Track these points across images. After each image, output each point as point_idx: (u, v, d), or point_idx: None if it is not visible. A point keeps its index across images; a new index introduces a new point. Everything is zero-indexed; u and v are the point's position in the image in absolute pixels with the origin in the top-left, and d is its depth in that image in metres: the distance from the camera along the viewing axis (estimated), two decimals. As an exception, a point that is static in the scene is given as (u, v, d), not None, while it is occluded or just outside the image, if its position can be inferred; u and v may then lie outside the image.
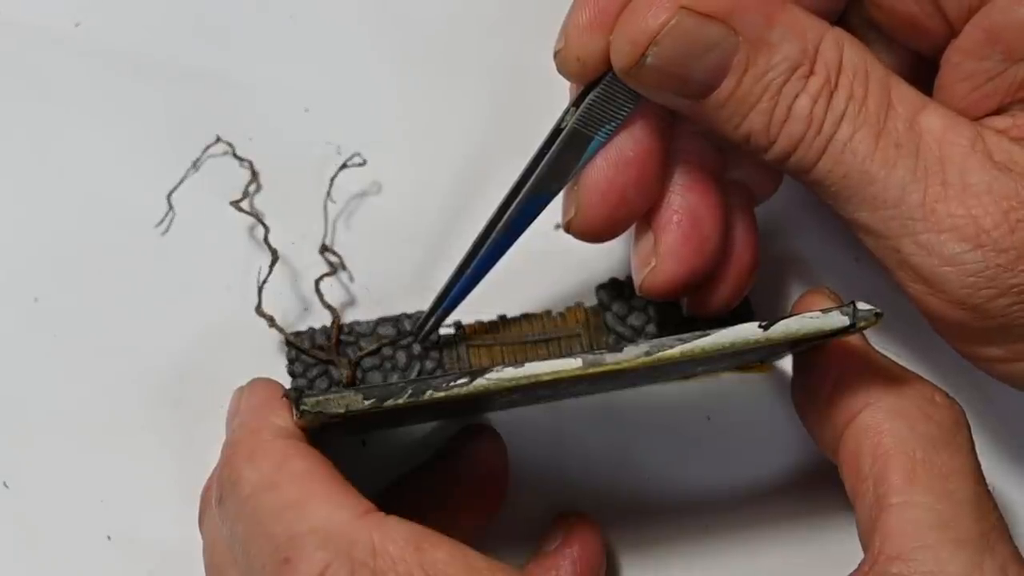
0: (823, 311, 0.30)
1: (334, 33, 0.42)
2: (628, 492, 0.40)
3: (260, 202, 0.40)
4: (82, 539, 0.39)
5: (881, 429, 0.32)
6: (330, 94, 0.42)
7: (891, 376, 0.33)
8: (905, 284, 0.33)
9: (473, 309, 0.38)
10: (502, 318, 0.38)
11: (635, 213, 0.35)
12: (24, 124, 0.41)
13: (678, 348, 0.30)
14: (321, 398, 0.30)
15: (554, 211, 0.41)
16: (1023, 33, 0.31)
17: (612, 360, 0.30)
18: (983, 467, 0.32)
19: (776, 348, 0.32)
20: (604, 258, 0.41)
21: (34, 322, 0.40)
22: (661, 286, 0.35)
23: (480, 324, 0.38)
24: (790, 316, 0.30)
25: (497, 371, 0.29)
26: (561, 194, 0.35)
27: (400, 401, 0.29)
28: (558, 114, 0.34)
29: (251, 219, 0.40)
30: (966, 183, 0.31)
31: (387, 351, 0.37)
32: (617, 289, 0.38)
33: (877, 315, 0.30)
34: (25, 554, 0.38)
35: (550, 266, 0.41)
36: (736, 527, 0.39)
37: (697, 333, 0.30)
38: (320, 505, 0.29)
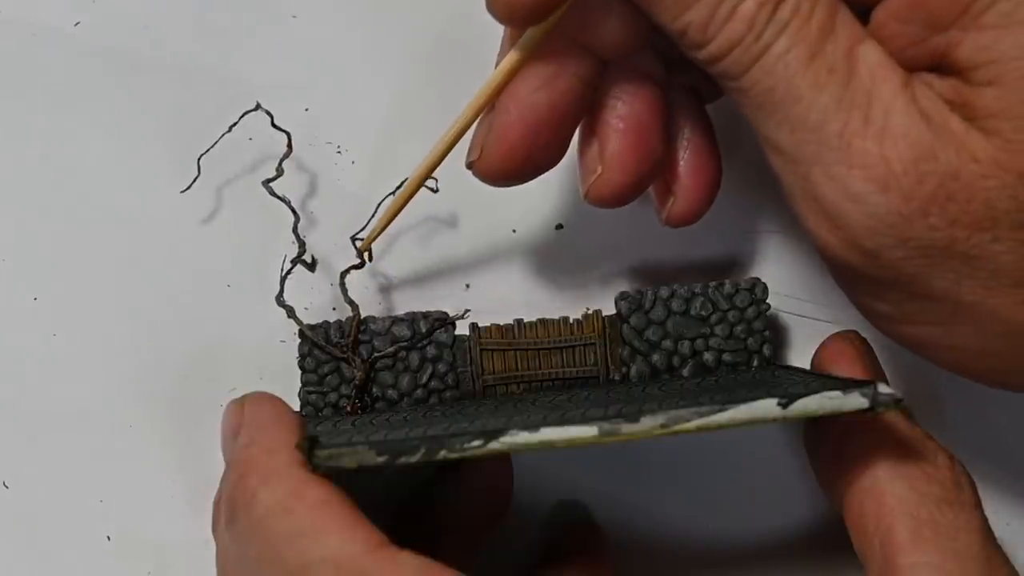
0: (844, 391, 0.30)
1: (334, 33, 0.42)
2: (632, 515, 0.40)
3: (260, 200, 0.40)
4: (82, 539, 0.39)
5: (883, 490, 0.32)
6: (330, 94, 0.42)
7: (892, 436, 0.33)
8: (806, 215, 0.32)
9: (489, 312, 0.38)
10: (518, 322, 0.38)
11: (543, 167, 0.35)
12: (23, 123, 0.41)
13: (695, 422, 0.30)
14: (334, 451, 0.30)
15: (555, 213, 0.41)
16: (946, 3, 0.30)
17: (628, 430, 0.30)
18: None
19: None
20: (624, 259, 0.41)
21: (34, 322, 0.40)
22: (608, 194, 0.35)
23: (496, 327, 0.38)
24: (810, 395, 0.30)
25: (512, 435, 0.30)
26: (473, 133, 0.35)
27: (412, 459, 0.30)
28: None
29: (248, 218, 0.40)
30: (888, 123, 0.30)
31: (400, 351, 0.37)
32: (636, 301, 0.38)
33: (897, 400, 0.30)
34: (25, 554, 0.38)
35: (569, 266, 0.41)
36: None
37: (715, 407, 0.30)
38: (334, 535, 0.29)
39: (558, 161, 0.35)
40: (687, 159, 0.36)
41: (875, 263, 0.31)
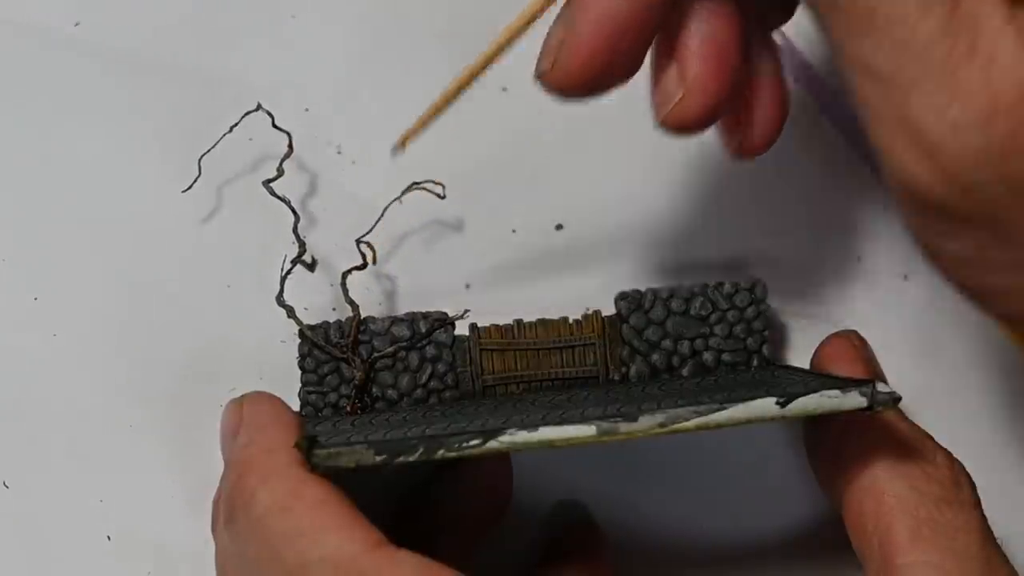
0: (842, 390, 0.30)
1: (334, 33, 0.42)
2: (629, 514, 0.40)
3: (260, 200, 0.40)
4: (82, 539, 0.39)
5: (882, 489, 0.32)
6: (330, 94, 0.42)
7: (891, 435, 0.33)
8: (892, 143, 0.30)
9: (489, 312, 0.38)
10: (518, 322, 0.38)
11: (619, 79, 0.33)
12: (24, 124, 0.41)
13: (693, 421, 0.30)
14: (333, 450, 0.30)
15: (555, 213, 0.41)
16: None
17: (626, 430, 0.30)
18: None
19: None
20: (624, 259, 0.41)
21: (34, 322, 0.40)
22: (690, 118, 0.33)
23: (495, 327, 0.38)
24: (808, 394, 0.30)
25: (510, 434, 0.30)
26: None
27: (411, 459, 0.30)
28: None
29: (248, 218, 0.40)
30: (993, 53, 0.28)
31: (400, 351, 0.37)
32: (636, 301, 0.38)
33: (895, 399, 0.30)
34: (25, 554, 0.38)
35: (569, 266, 0.41)
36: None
37: (714, 406, 0.30)
38: (333, 534, 0.29)
39: (633, 74, 0.33)
40: (760, 85, 0.35)
41: (967, 198, 0.29)
